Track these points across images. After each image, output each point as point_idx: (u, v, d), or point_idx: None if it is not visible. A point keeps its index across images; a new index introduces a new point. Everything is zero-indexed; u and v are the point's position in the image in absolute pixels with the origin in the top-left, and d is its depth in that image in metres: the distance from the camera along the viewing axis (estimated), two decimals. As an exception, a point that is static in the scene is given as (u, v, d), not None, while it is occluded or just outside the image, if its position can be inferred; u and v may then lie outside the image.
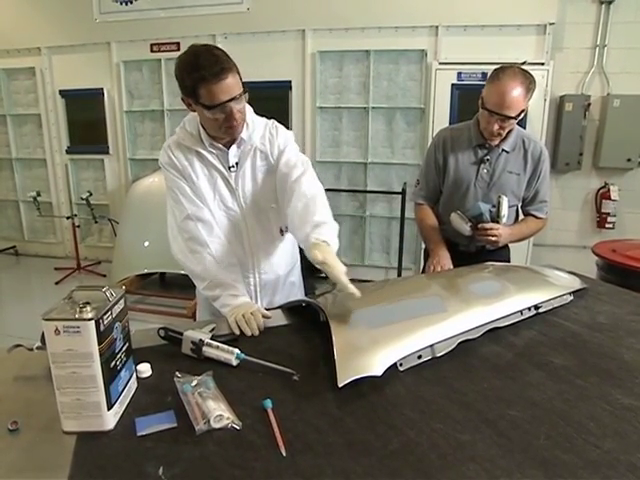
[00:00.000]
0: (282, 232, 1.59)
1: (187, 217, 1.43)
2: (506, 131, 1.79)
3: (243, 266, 1.54)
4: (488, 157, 1.87)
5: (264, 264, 1.58)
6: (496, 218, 1.77)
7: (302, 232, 1.29)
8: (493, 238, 1.78)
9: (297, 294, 1.72)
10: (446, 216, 1.90)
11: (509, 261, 2.02)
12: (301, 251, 1.41)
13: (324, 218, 1.30)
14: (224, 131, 1.37)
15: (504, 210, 1.76)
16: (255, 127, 1.47)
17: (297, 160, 1.47)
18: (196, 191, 1.45)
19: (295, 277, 1.73)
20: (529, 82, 1.70)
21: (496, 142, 1.85)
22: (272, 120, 1.54)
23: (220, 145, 1.44)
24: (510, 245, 2.01)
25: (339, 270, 1.14)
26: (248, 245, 1.54)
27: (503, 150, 1.86)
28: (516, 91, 1.66)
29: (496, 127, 1.74)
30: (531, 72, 1.74)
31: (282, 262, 1.64)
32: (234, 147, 1.45)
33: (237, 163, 1.47)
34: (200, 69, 1.25)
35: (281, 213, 1.50)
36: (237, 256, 1.52)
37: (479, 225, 1.78)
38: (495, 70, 1.73)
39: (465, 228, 1.80)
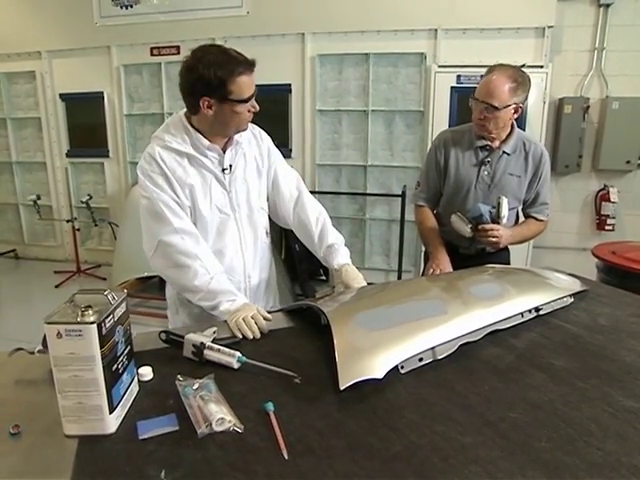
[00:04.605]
0: (267, 234, 1.62)
1: (173, 231, 1.37)
2: (491, 125, 1.78)
3: (235, 271, 1.53)
4: (489, 159, 1.87)
5: (252, 268, 1.58)
6: (496, 219, 1.78)
7: (320, 245, 1.58)
8: (494, 239, 1.79)
9: (275, 299, 1.74)
10: (447, 218, 1.91)
11: (509, 263, 2.03)
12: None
13: (338, 239, 1.59)
14: (239, 127, 1.42)
15: (504, 211, 1.76)
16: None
17: (291, 173, 1.65)
18: (181, 200, 1.40)
19: (272, 281, 1.72)
20: (520, 78, 1.72)
21: (497, 144, 1.86)
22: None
23: (218, 147, 1.44)
24: (510, 247, 2.01)
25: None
26: (240, 249, 1.54)
27: (504, 152, 1.86)
28: (502, 82, 1.70)
29: (477, 114, 1.77)
30: (530, 75, 1.76)
31: (264, 265, 1.65)
32: (229, 150, 1.46)
33: (230, 165, 1.47)
34: (233, 62, 1.29)
35: (266, 215, 1.62)
36: (231, 261, 1.52)
37: (479, 226, 1.79)
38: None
39: (466, 229, 1.80)
